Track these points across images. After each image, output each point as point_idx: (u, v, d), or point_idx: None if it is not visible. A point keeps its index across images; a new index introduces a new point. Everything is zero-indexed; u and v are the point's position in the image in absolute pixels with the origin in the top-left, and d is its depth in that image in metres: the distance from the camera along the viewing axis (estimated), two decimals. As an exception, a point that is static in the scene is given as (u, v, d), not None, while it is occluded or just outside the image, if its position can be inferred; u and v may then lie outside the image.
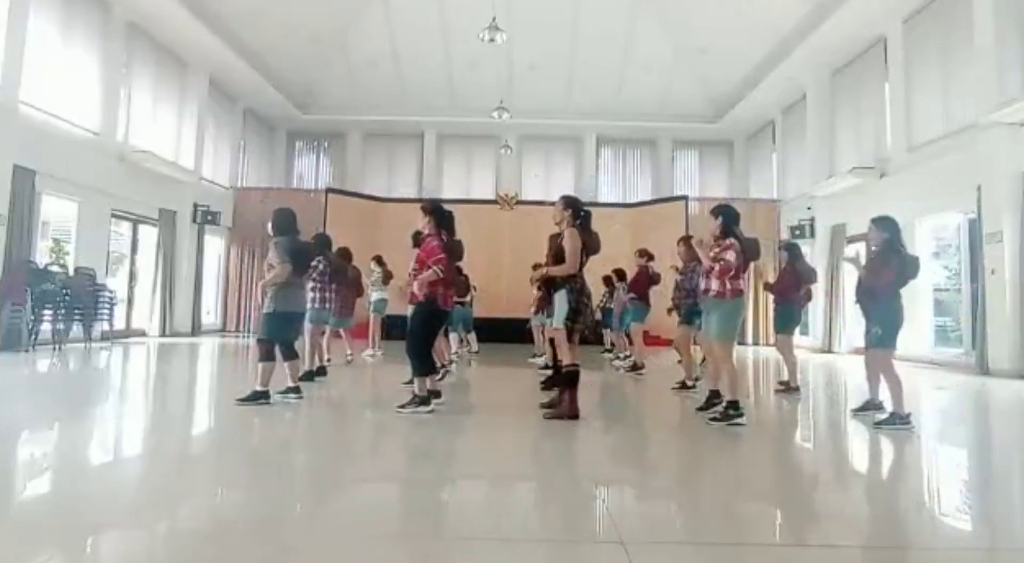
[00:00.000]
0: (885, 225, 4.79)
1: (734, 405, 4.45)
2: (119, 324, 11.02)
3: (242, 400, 4.76)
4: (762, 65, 13.63)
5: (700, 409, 4.99)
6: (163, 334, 12.14)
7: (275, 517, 2.48)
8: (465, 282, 8.83)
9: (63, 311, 9.21)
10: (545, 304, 4.87)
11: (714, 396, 4.97)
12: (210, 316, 14.39)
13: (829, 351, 11.86)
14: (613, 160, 17.71)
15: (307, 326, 6.29)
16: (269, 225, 4.97)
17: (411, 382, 4.73)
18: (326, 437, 4.25)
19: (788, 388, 6.17)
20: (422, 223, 4.82)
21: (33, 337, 8.74)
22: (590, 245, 4.62)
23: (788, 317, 6.45)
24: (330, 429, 4.51)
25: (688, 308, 6.23)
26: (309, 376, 6.12)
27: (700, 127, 16.71)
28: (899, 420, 4.39)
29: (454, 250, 4.88)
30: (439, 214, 4.82)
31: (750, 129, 16.64)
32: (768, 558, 2.20)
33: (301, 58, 14.90)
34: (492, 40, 10.01)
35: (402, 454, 3.80)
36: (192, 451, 3.77)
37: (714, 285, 4.61)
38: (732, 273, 4.56)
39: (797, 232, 13.19)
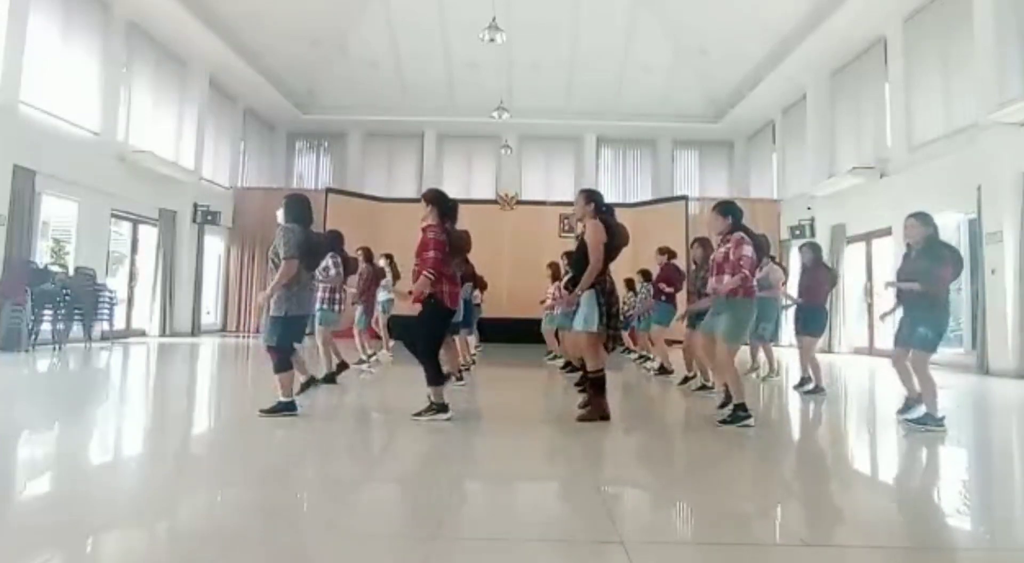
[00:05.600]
0: (927, 219, 4.44)
1: (742, 407, 4.34)
2: (119, 324, 11.03)
3: (266, 412, 4.31)
4: (762, 65, 13.62)
5: (721, 412, 4.76)
6: (163, 334, 12.14)
7: (271, 523, 2.48)
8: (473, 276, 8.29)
9: (63, 311, 9.21)
10: (571, 307, 4.62)
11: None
12: (210, 316, 14.41)
13: (829, 351, 11.85)
14: (613, 160, 17.71)
15: (317, 328, 6.21)
16: (280, 211, 4.51)
17: (420, 414, 4.32)
18: (327, 446, 4.20)
19: (816, 389, 6.13)
20: (424, 213, 4.46)
21: (33, 337, 8.73)
22: (617, 238, 4.42)
23: (816, 318, 6.34)
24: (330, 441, 4.37)
25: (697, 311, 5.94)
26: (331, 379, 6.04)
27: (700, 127, 16.71)
28: (932, 421, 4.29)
29: (459, 242, 4.53)
30: (442, 203, 4.48)
31: (750, 129, 16.64)
32: (769, 558, 2.20)
33: (301, 58, 14.90)
34: (492, 40, 10.01)
35: (413, 457, 3.80)
36: (194, 453, 3.78)
37: (727, 281, 4.33)
38: (751, 269, 4.36)
39: (797, 232, 13.19)
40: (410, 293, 4.41)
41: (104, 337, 10.35)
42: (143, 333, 12.02)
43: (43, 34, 9.42)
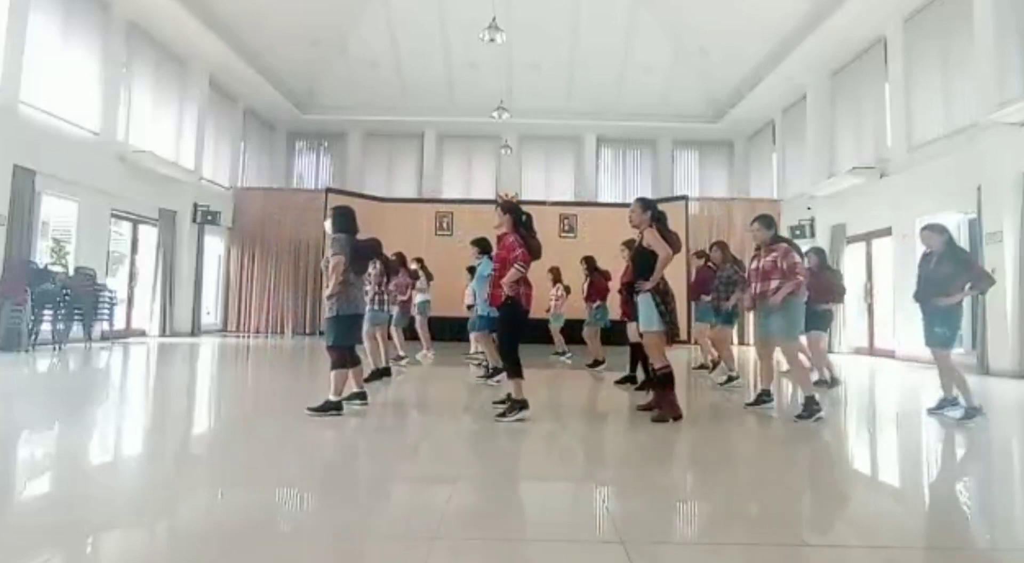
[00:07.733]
0: (941, 229, 4.89)
1: (812, 399, 4.68)
2: (119, 324, 11.03)
3: (314, 410, 4.43)
4: (762, 65, 13.63)
5: (750, 404, 5.21)
6: (163, 334, 12.14)
7: (269, 522, 2.48)
8: None
9: (63, 311, 9.21)
10: (629, 309, 4.94)
11: (765, 394, 5.18)
12: (210, 316, 14.40)
13: (829, 350, 11.83)
14: (613, 160, 17.71)
15: (365, 328, 6.39)
16: (328, 223, 4.81)
17: (503, 415, 4.46)
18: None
19: (831, 381, 6.54)
20: (498, 222, 4.79)
21: (33, 337, 8.73)
22: (671, 247, 4.63)
23: (818, 318, 6.62)
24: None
25: (728, 309, 6.60)
26: (376, 375, 6.41)
27: (700, 127, 16.71)
28: (974, 412, 4.67)
29: (532, 249, 4.73)
30: (516, 212, 4.78)
31: (750, 129, 16.64)
32: (768, 558, 2.19)
33: (301, 58, 14.91)
34: (492, 40, 10.02)
35: (413, 456, 3.80)
36: (194, 453, 3.77)
37: (775, 285, 4.82)
38: (804, 274, 4.86)
39: (797, 232, 13.18)
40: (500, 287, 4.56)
41: (104, 337, 10.35)
42: (143, 333, 12.02)
43: (43, 34, 9.41)
